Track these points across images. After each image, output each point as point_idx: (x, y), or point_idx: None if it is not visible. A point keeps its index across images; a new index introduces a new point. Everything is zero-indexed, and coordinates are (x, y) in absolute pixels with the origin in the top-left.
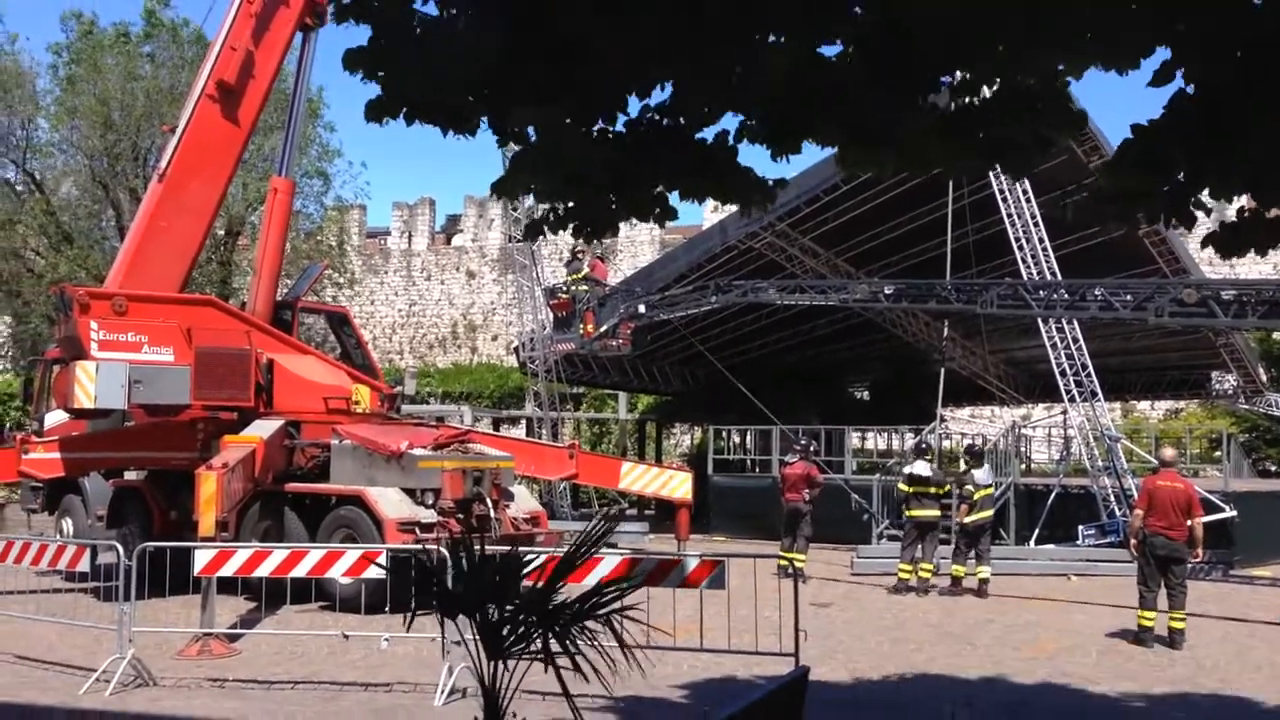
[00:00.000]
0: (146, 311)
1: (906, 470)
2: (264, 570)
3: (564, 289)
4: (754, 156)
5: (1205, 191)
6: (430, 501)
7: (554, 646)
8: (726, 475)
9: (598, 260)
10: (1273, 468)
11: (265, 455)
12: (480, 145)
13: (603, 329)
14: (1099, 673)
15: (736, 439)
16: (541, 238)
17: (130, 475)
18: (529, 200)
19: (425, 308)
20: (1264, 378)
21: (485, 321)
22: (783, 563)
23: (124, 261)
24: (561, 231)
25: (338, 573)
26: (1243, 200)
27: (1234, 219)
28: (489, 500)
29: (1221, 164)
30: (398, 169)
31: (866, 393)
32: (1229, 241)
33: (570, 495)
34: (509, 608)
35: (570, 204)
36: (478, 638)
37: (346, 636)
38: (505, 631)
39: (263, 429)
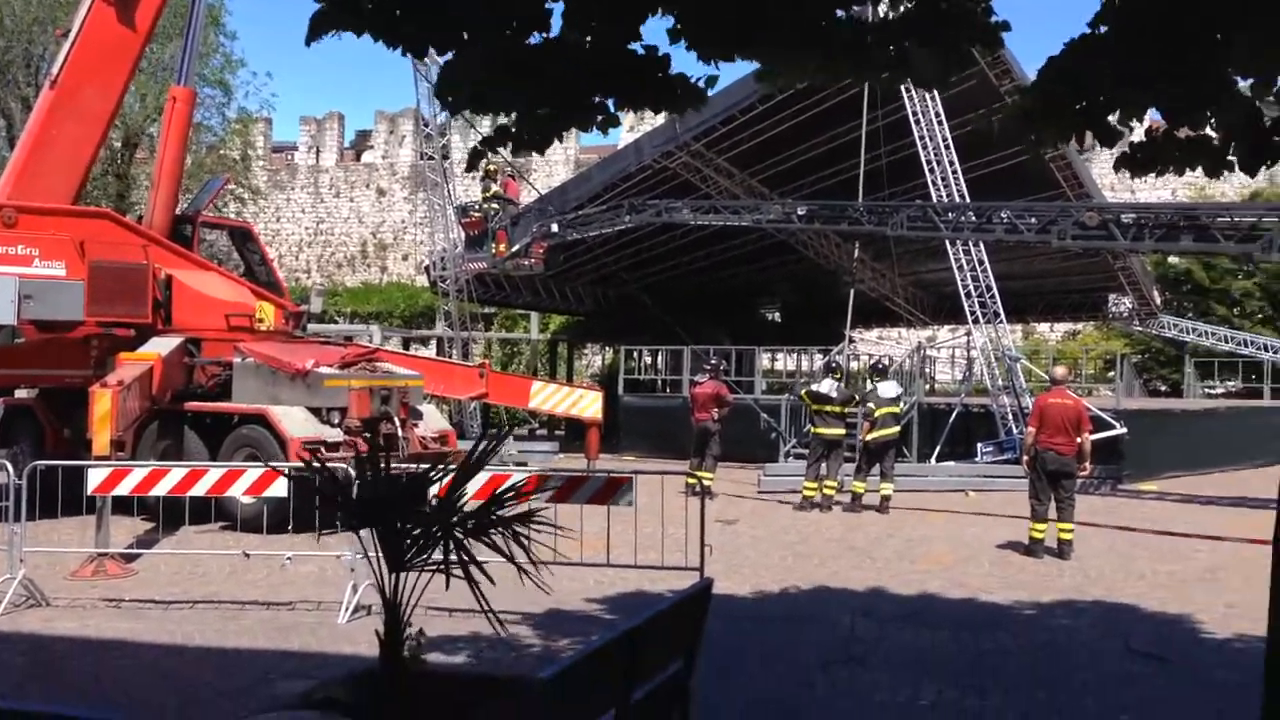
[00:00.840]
0: (37, 224)
1: (812, 387)
2: (161, 489)
3: (476, 208)
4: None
5: (1118, 111)
6: (336, 420)
7: (457, 558)
8: (637, 395)
9: (510, 179)
10: (1163, 387)
11: (163, 373)
12: (392, 59)
13: (515, 248)
14: (991, 582)
15: (648, 359)
16: (449, 159)
17: (21, 394)
18: (443, 116)
19: (334, 225)
20: (1158, 300)
21: (396, 240)
22: (690, 481)
23: (13, 172)
24: (501, 150)
25: (238, 491)
26: (1149, 121)
27: (1144, 139)
28: (397, 419)
29: (1137, 83)
30: (305, 81)
31: (778, 314)
32: (1140, 160)
33: (481, 415)
34: (410, 520)
35: (510, 116)
36: (379, 551)
37: (248, 555)
38: (406, 543)
39: (161, 346)
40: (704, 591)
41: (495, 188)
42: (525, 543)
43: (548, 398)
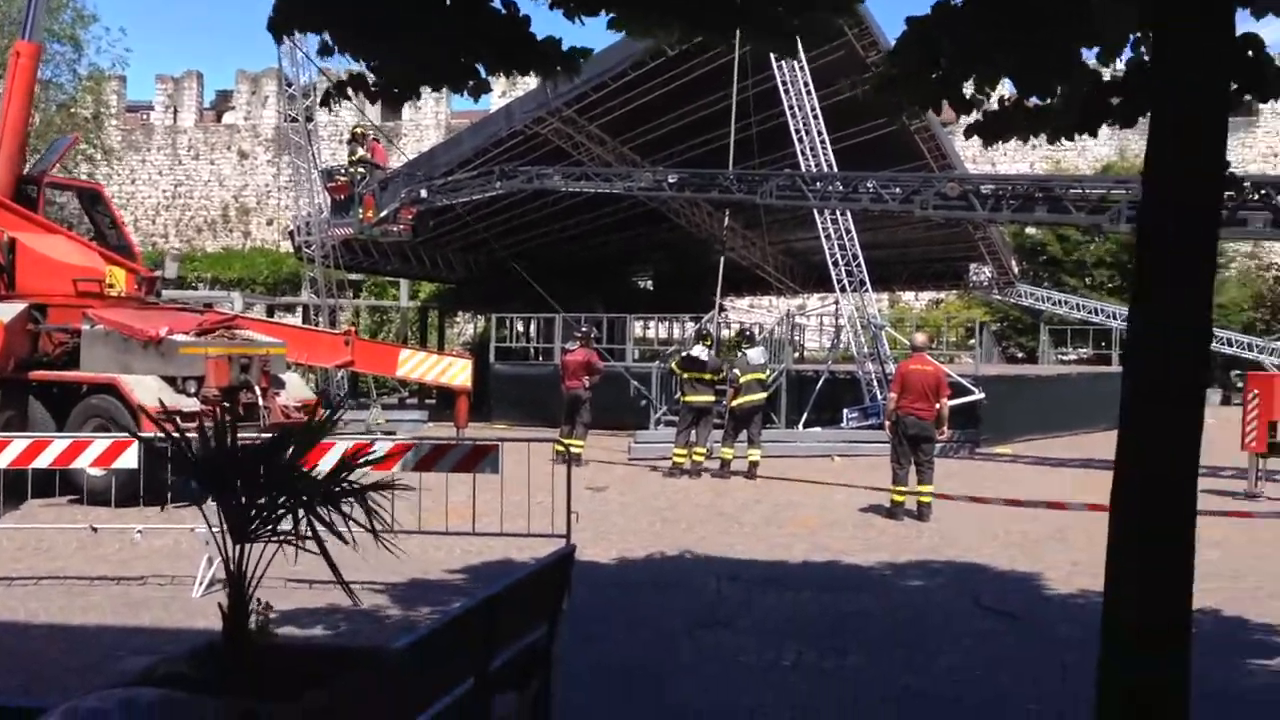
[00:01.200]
0: None
1: (685, 353)
2: (2, 461)
3: (342, 172)
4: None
5: (972, 80)
6: (193, 390)
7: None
8: (509, 363)
9: (376, 143)
10: (1020, 354)
11: (5, 341)
12: (254, 18)
13: (383, 213)
14: (854, 545)
15: (520, 327)
16: (314, 121)
17: None
18: (306, 77)
19: (193, 189)
20: (1016, 270)
21: (259, 205)
22: (559, 448)
23: None
24: (355, 97)
25: (85, 463)
26: (1002, 90)
27: (995, 108)
28: (257, 388)
29: (989, 53)
30: (161, 39)
31: (650, 282)
32: (990, 129)
33: (350, 384)
34: (255, 490)
35: (365, 59)
36: (222, 522)
37: (95, 529)
38: (251, 514)
39: (3, 313)
40: (566, 558)
41: (362, 152)
42: (380, 511)
43: (416, 366)
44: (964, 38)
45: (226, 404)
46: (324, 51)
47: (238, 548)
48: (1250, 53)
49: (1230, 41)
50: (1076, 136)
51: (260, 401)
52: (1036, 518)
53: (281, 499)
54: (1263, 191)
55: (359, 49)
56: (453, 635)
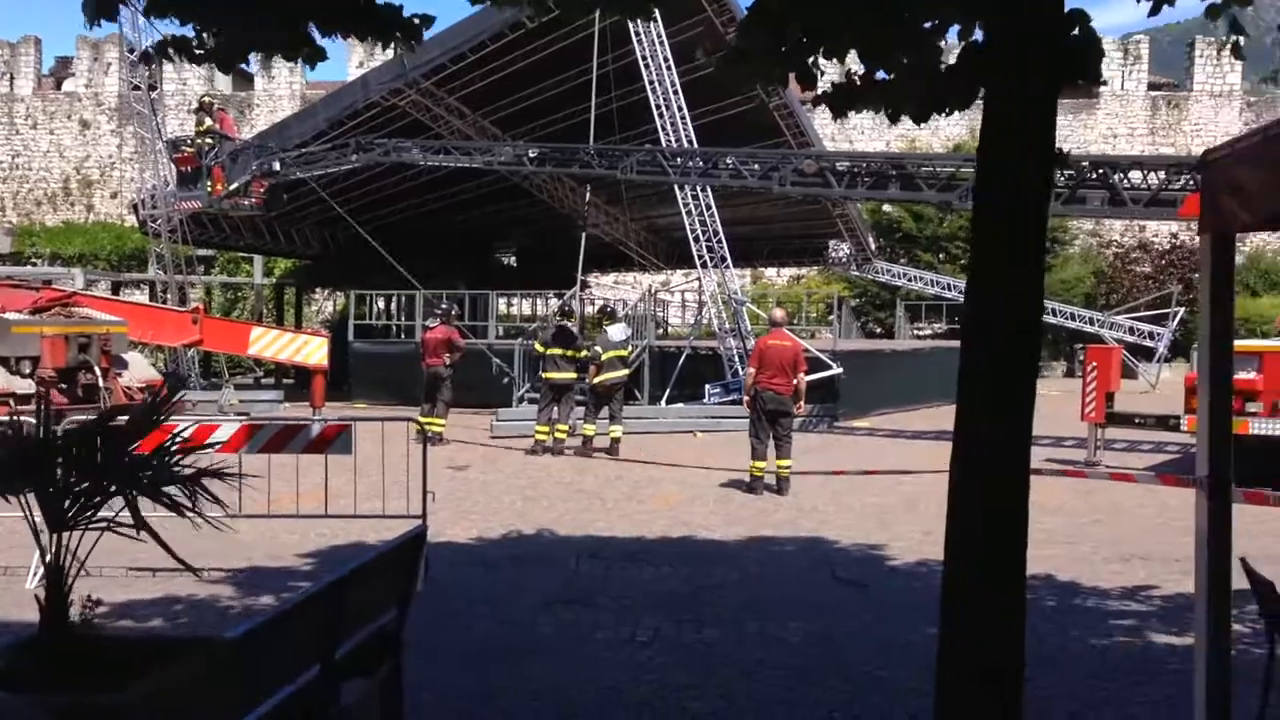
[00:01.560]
0: None
1: (556, 326)
2: None
3: (189, 143)
4: None
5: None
6: (28, 371)
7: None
8: (369, 341)
9: (224, 113)
10: (878, 330)
11: None
12: None
13: (233, 186)
14: (713, 520)
15: (380, 304)
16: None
17: None
18: (150, 41)
19: (31, 160)
20: (873, 246)
21: (103, 177)
22: (420, 427)
23: None
24: (178, 60)
25: None
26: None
27: (843, 80)
28: (98, 368)
29: (834, 28)
30: None
31: (514, 258)
32: (837, 101)
33: (202, 364)
34: (73, 476)
35: (191, 21)
36: (41, 510)
37: None
38: (68, 501)
39: None
40: (416, 539)
41: (210, 122)
42: (216, 496)
43: (269, 344)
44: (809, 14)
45: (64, 385)
46: (150, 12)
47: (55, 537)
48: (1077, 30)
49: (1059, 21)
50: (949, 114)
51: (101, 382)
52: (890, 490)
53: (102, 485)
54: (1100, 171)
55: (183, 10)
56: (295, 622)
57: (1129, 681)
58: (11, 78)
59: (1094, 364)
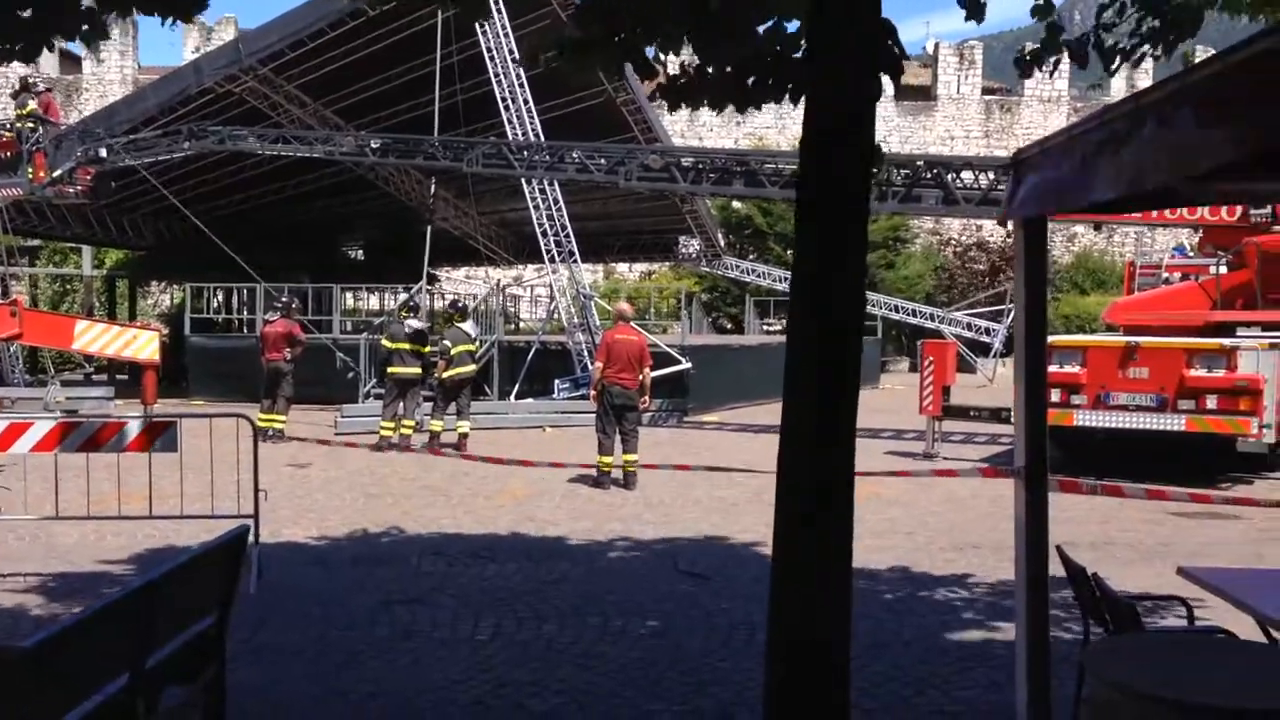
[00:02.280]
0: None
1: (407, 328)
2: None
3: (7, 127)
4: None
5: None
6: None
7: None
8: (207, 335)
9: (49, 95)
10: (728, 325)
11: None
12: None
13: (56, 174)
14: (559, 515)
15: (220, 298)
16: None
17: None
18: None
19: None
20: (722, 243)
21: None
22: (261, 424)
23: None
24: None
25: None
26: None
27: (677, 73)
28: None
29: (663, 20)
30: None
31: (361, 251)
32: (673, 93)
33: (28, 360)
34: None
35: None
36: None
37: None
38: None
39: None
40: (237, 539)
41: (32, 105)
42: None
43: (95, 339)
44: (640, 5)
45: None
46: None
47: None
48: (888, 40)
49: (877, 25)
50: (773, 112)
51: None
52: (737, 483)
53: None
54: (934, 171)
55: None
56: (100, 628)
57: (959, 666)
58: None
59: (930, 359)
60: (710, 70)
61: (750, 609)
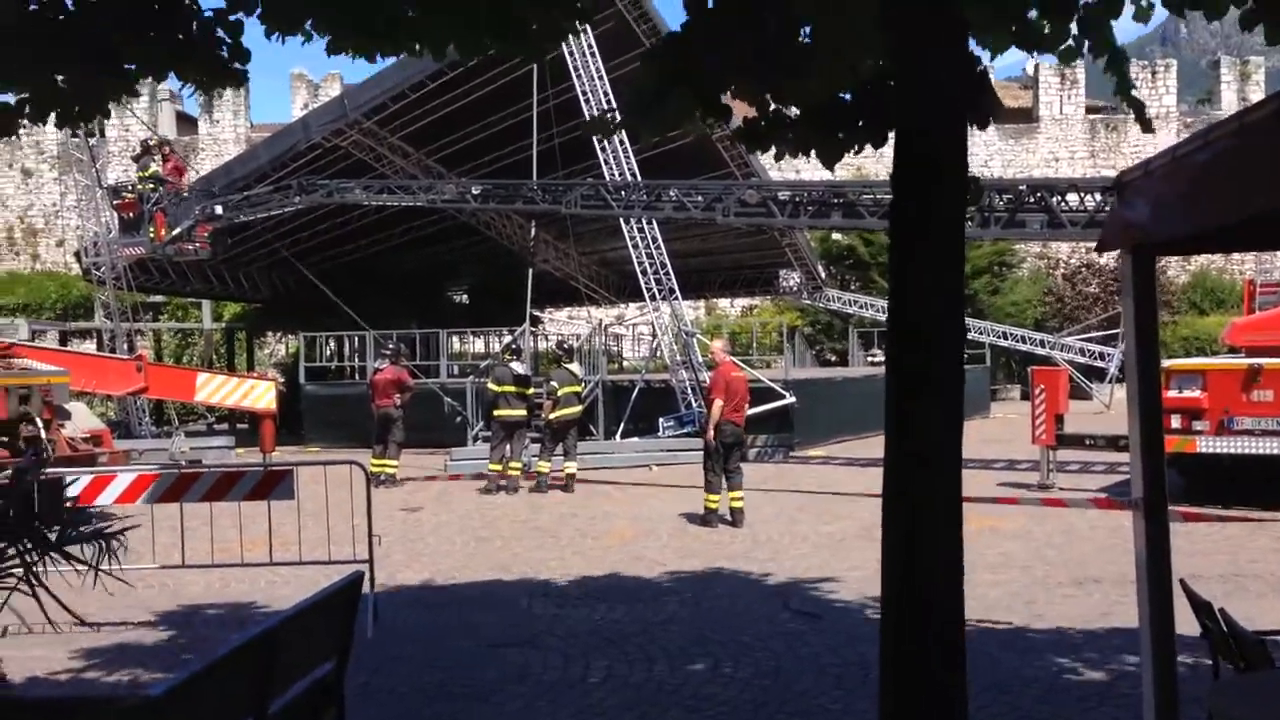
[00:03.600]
0: None
1: (497, 371)
2: None
3: (129, 189)
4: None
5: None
6: None
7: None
8: (320, 383)
9: (173, 153)
10: (832, 357)
11: None
12: None
13: (176, 231)
14: (667, 554)
15: (332, 346)
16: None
17: None
18: None
19: None
20: (823, 275)
21: (48, 225)
22: (374, 469)
23: None
24: (39, 124)
25: None
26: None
27: (757, 114)
28: (39, 420)
29: (746, 64)
30: None
31: (465, 296)
32: (753, 135)
33: (154, 412)
34: None
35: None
36: None
37: None
38: None
39: None
40: (352, 585)
41: (154, 167)
42: (117, 548)
43: (215, 390)
44: (712, 60)
45: (4, 438)
46: None
47: None
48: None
49: (966, 60)
50: (859, 151)
51: (43, 434)
52: (845, 517)
53: (11, 542)
54: (1038, 194)
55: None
56: (222, 676)
57: (1081, 706)
58: None
59: (1041, 386)
60: (790, 114)
61: (862, 649)
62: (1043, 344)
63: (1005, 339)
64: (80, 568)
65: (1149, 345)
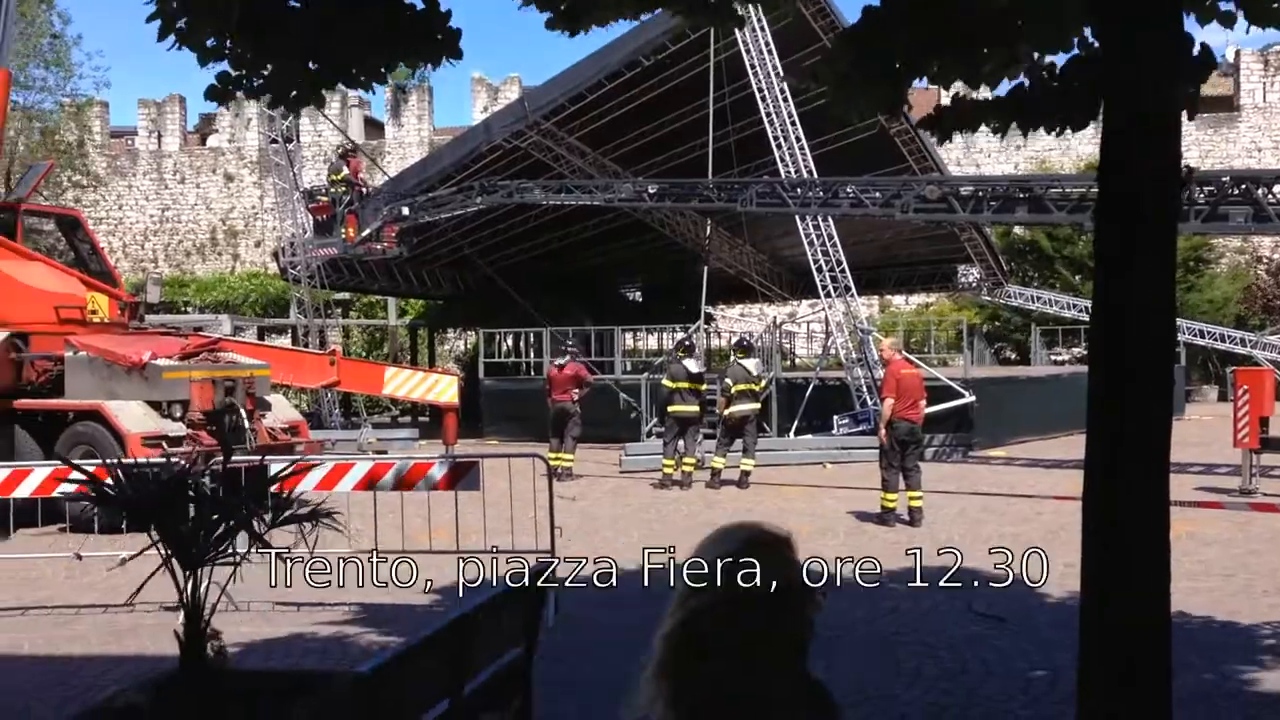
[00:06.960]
0: None
1: (672, 367)
2: None
3: (323, 192)
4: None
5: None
6: (178, 414)
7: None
8: (498, 379)
9: (356, 159)
10: (1012, 355)
11: None
12: None
13: (365, 232)
14: (843, 552)
15: (509, 342)
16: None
17: None
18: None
19: (180, 213)
20: (1004, 270)
21: (247, 227)
22: (551, 463)
23: None
24: (254, 100)
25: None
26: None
27: (947, 103)
28: (243, 410)
29: (939, 49)
30: (143, 63)
31: (639, 293)
32: (944, 124)
33: (342, 404)
34: (192, 517)
35: (257, 64)
36: (170, 549)
37: (80, 557)
38: (199, 540)
39: None
40: (540, 574)
41: (345, 172)
42: (342, 531)
43: (402, 384)
44: (902, 45)
45: (211, 427)
46: (203, 62)
47: (189, 574)
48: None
49: (1179, 37)
50: (1060, 133)
51: (246, 424)
52: (1029, 519)
53: (229, 525)
54: (1243, 186)
55: (232, 59)
56: (422, 657)
57: None
58: (159, 135)
59: (1245, 387)
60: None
61: (1051, 654)
62: (1243, 343)
63: (1201, 337)
64: (281, 549)
65: None
